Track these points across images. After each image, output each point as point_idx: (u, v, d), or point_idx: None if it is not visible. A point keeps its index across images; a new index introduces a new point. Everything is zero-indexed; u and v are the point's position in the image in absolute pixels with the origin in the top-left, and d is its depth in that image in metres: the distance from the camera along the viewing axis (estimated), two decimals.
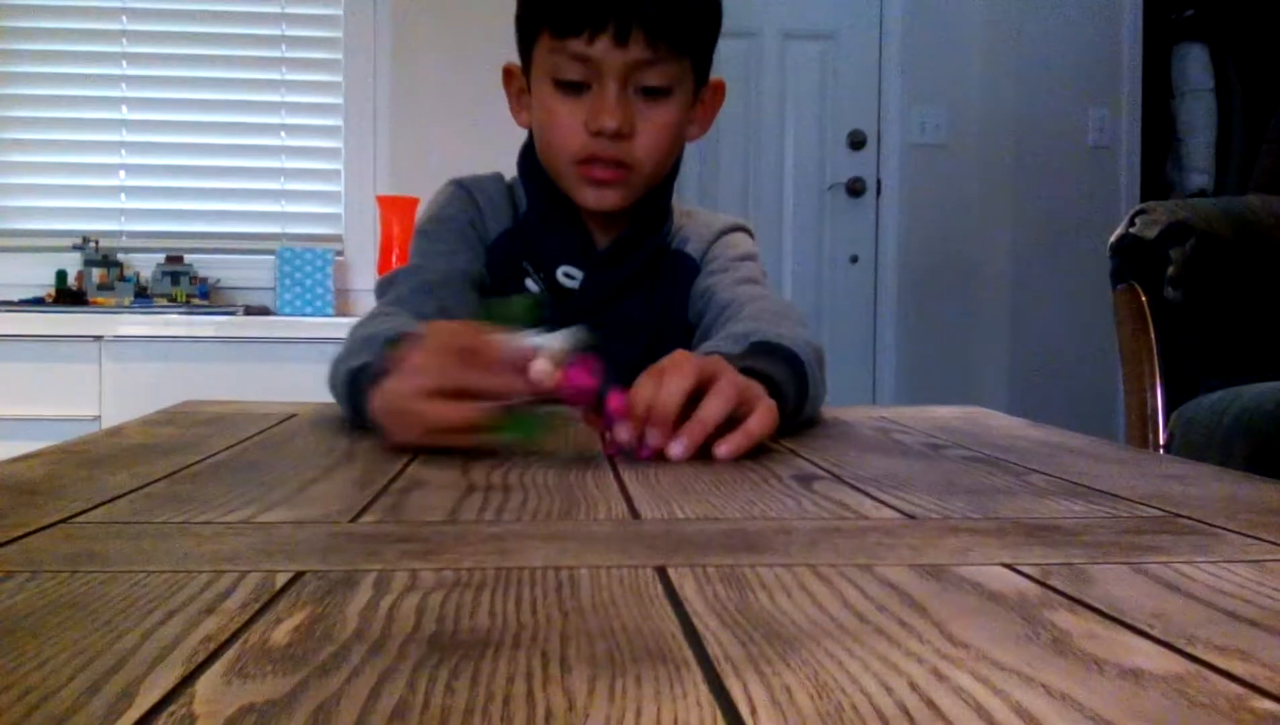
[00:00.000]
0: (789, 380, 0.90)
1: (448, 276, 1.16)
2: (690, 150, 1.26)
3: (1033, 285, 4.07)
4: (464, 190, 1.25)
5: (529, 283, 1.21)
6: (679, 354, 0.82)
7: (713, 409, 0.78)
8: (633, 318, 1.21)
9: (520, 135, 1.26)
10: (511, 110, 1.26)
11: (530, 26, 1.16)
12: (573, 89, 1.13)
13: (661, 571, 0.45)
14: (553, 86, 1.14)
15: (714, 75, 1.23)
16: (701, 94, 1.22)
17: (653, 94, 1.14)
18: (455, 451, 0.78)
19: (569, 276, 1.21)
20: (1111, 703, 0.31)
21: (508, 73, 1.24)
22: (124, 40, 3.21)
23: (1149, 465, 0.81)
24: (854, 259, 4.18)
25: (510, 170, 1.28)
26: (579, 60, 1.11)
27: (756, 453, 0.80)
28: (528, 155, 1.25)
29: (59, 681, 0.32)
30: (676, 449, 0.76)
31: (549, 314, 0.80)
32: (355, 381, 0.90)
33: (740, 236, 1.29)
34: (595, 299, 1.21)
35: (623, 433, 0.77)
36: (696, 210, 1.33)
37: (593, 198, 1.17)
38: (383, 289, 1.17)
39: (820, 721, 0.29)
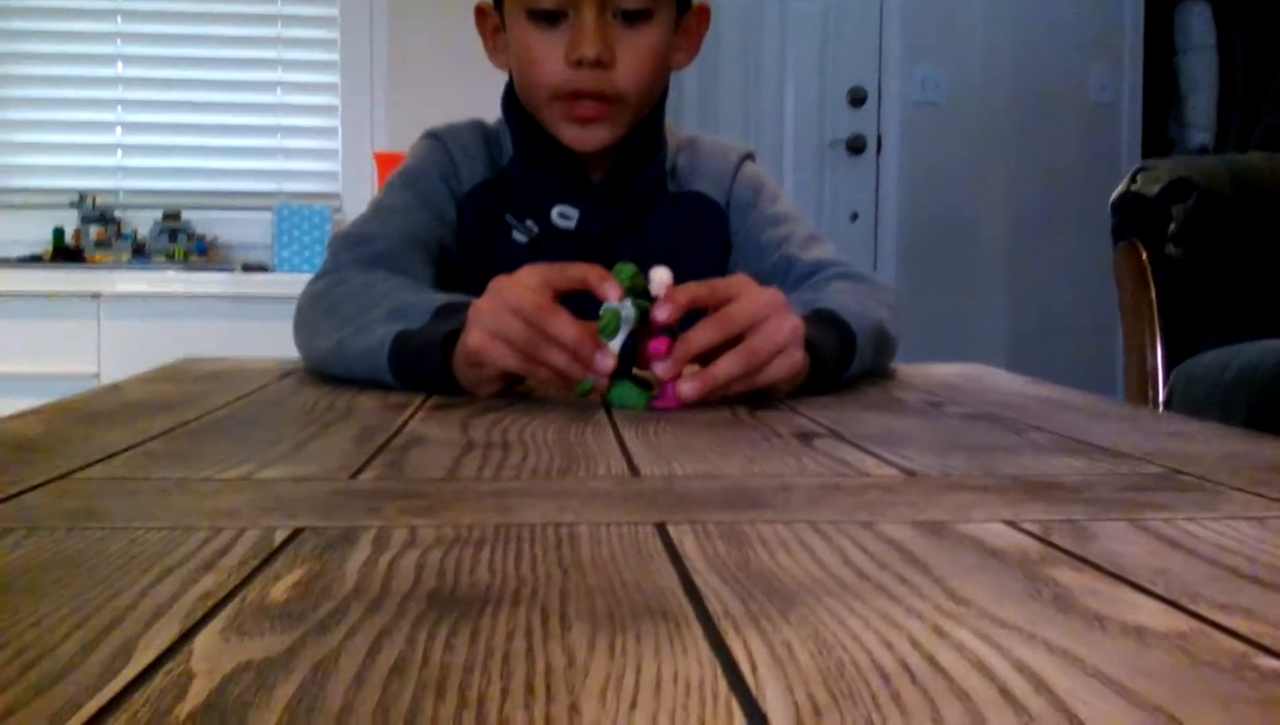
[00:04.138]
0: (834, 348, 0.91)
1: (393, 244, 1.10)
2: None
3: (1033, 243, 4.05)
4: (438, 142, 1.21)
5: (515, 235, 1.17)
6: (742, 285, 0.84)
7: (726, 367, 0.80)
8: (638, 256, 1.17)
9: None
10: (487, 51, 1.21)
11: None
12: (548, 20, 1.09)
13: (661, 528, 0.45)
14: (527, 18, 1.10)
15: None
16: (685, 19, 1.17)
17: (633, 18, 1.10)
18: (456, 406, 0.78)
19: (564, 216, 1.17)
20: (1114, 660, 0.30)
21: (480, 11, 1.20)
22: None
23: (1150, 422, 0.80)
24: (854, 216, 4.16)
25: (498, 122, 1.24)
26: None
27: (755, 408, 0.80)
28: (510, 96, 1.21)
29: (56, 639, 0.32)
30: (686, 389, 0.79)
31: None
32: (408, 347, 0.88)
33: (757, 169, 1.26)
34: (594, 236, 1.16)
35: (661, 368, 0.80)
36: (696, 137, 1.29)
37: (577, 137, 1.13)
38: (336, 247, 1.11)
39: (821, 678, 0.29)
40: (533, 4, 1.09)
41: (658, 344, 0.79)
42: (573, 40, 1.08)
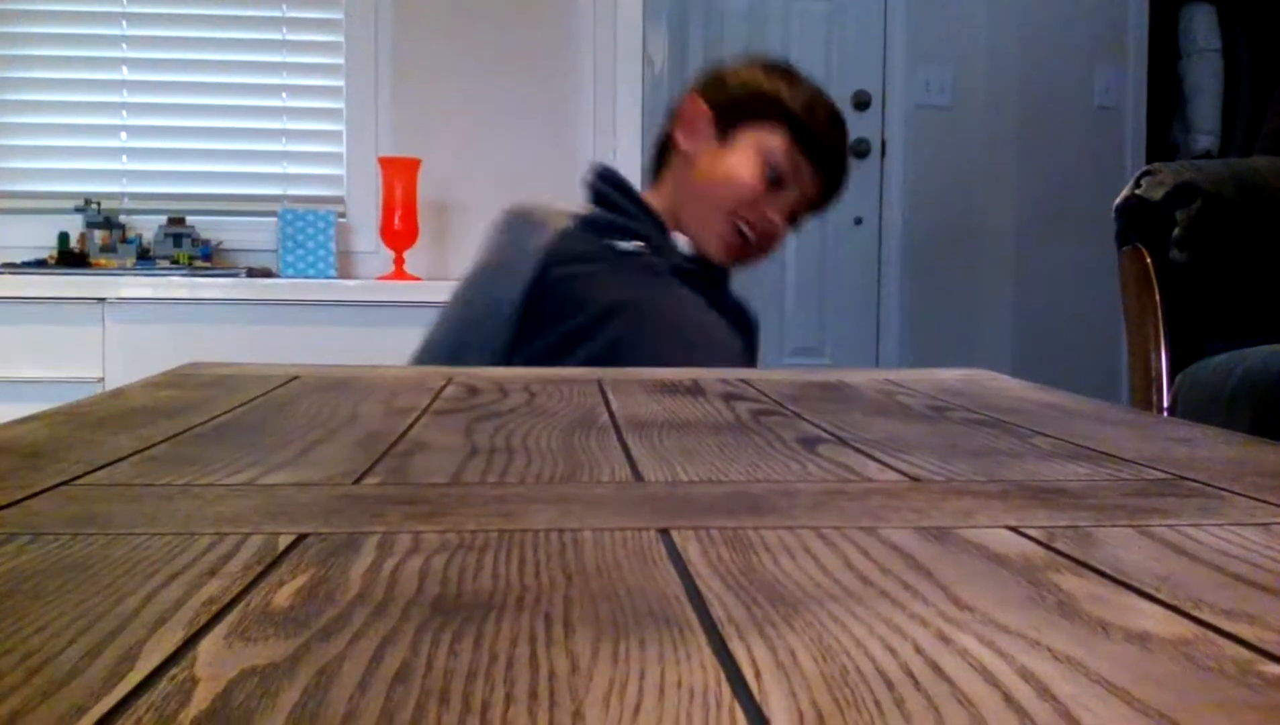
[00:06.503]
0: None
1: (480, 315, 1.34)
2: None
3: (1037, 247, 4.05)
4: (516, 213, 1.39)
5: (621, 245, 1.35)
6: None
7: None
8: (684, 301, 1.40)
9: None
10: (684, 133, 1.44)
11: (773, 111, 1.38)
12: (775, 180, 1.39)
13: (665, 534, 0.45)
14: (762, 164, 1.37)
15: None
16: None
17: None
18: (459, 412, 0.78)
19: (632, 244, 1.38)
20: (1118, 666, 0.30)
21: (695, 105, 1.43)
22: (124, 0, 3.19)
23: (1154, 428, 0.80)
24: (858, 221, 4.16)
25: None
26: (796, 170, 1.37)
27: (759, 413, 0.80)
28: (612, 178, 1.44)
29: (60, 645, 0.32)
30: None
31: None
32: None
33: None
34: (655, 268, 1.37)
35: None
36: None
37: (718, 253, 1.40)
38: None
39: (825, 684, 0.29)
40: (779, 167, 1.38)
41: None
42: (788, 201, 1.40)
